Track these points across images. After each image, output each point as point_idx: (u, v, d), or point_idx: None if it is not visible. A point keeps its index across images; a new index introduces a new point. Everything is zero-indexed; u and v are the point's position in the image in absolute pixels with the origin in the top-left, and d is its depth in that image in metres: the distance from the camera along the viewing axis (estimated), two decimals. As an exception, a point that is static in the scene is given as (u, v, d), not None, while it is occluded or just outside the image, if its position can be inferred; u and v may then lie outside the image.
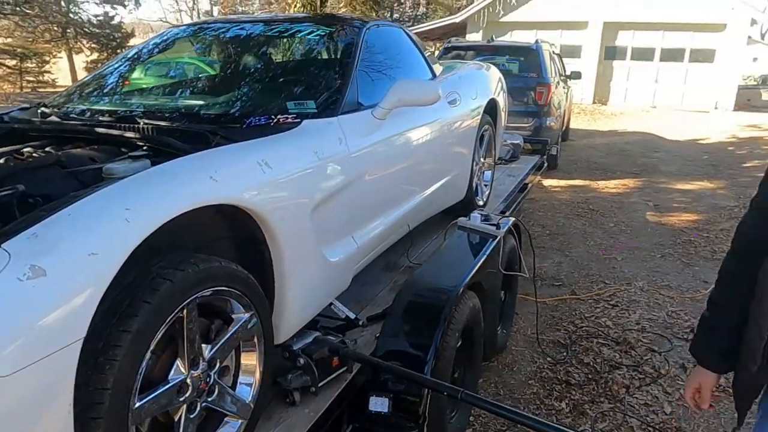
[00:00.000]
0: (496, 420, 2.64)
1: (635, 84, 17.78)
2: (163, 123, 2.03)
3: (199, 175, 1.47)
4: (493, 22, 17.86)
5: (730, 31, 16.17)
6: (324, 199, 1.95)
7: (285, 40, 2.97)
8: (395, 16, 29.66)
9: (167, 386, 1.39)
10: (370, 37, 2.75)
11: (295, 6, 10.56)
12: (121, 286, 1.24)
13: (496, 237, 2.83)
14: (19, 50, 21.60)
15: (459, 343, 2.40)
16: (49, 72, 22.58)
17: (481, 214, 3.00)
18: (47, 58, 22.67)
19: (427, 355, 2.05)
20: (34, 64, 22.28)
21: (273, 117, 2.08)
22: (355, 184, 2.14)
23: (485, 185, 3.99)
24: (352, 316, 2.28)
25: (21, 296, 1.05)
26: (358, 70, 2.47)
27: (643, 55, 17.55)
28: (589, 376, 3.00)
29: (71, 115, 2.31)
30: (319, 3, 10.43)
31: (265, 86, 2.53)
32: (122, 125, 2.01)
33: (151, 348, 1.31)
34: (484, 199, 3.91)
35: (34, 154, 1.79)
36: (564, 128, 9.62)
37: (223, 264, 1.52)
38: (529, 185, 5.04)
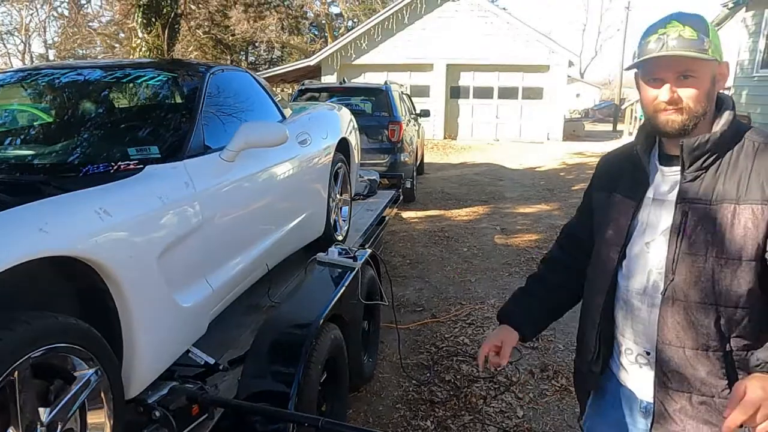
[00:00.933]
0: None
1: (479, 119, 19.41)
2: (-13, 175, 1.89)
3: (26, 227, 1.39)
4: (346, 64, 18.60)
5: (552, 71, 18.36)
6: (172, 243, 1.92)
7: (127, 85, 2.90)
8: (251, 59, 29.66)
9: (-2, 459, 1.28)
10: (216, 80, 2.78)
11: (140, 51, 10.17)
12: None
13: (354, 269, 2.94)
14: None
15: (324, 377, 2.45)
16: None
17: (339, 249, 3.11)
18: None
19: (290, 390, 2.07)
20: None
21: (113, 164, 2.02)
22: (205, 227, 2.13)
23: (343, 220, 4.13)
24: (211, 361, 2.23)
25: None
26: (204, 114, 2.48)
27: (483, 93, 19.26)
28: (451, 393, 3.18)
29: None
30: (166, 47, 10.14)
31: (105, 133, 2.45)
32: None
33: (-24, 419, 1.21)
34: (343, 234, 4.03)
35: None
36: (418, 163, 10.19)
37: (60, 319, 1.44)
38: (387, 218, 5.27)
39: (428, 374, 3.40)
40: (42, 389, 1.46)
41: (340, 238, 3.91)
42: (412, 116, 9.91)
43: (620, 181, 1.41)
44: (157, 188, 1.92)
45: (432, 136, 17.92)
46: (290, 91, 16.43)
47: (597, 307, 1.42)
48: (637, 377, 1.38)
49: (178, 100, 2.72)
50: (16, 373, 1.30)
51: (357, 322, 2.99)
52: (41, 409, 1.41)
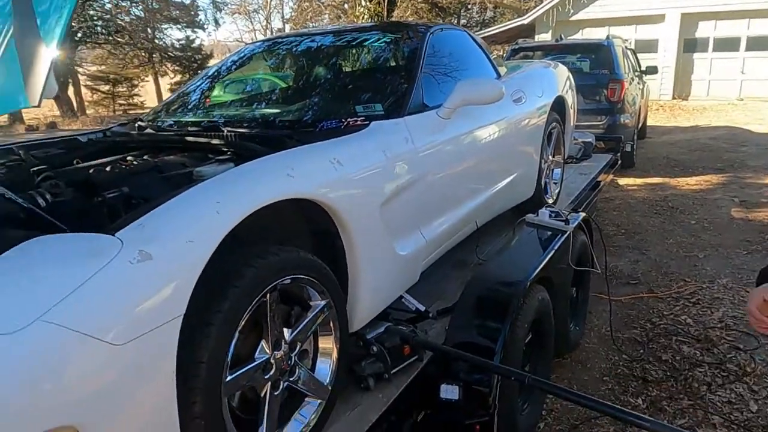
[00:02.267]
0: (570, 415, 2.64)
1: (719, 75, 16.81)
2: (244, 130, 2.21)
3: (277, 172, 1.61)
4: (562, 21, 17.48)
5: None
6: (392, 195, 2.05)
7: (353, 49, 3.13)
8: (462, 21, 29.58)
9: (253, 364, 1.54)
10: (435, 40, 2.84)
11: (363, 18, 10.86)
12: (213, 271, 1.40)
13: (565, 232, 2.83)
14: (111, 76, 23.41)
15: (529, 338, 2.43)
16: (138, 95, 24.32)
17: (550, 211, 3.01)
18: (136, 82, 24.45)
19: (496, 345, 2.10)
20: (124, 89, 24.08)
21: (343, 120, 2.22)
22: (422, 181, 2.23)
23: (554, 183, 3.97)
24: (422, 308, 2.37)
25: (132, 277, 1.22)
26: (423, 73, 2.57)
27: (726, 45, 16.57)
28: (668, 374, 2.92)
29: (163, 128, 2.56)
30: (386, 13, 10.65)
31: (336, 93, 2.69)
32: (208, 134, 2.21)
33: (239, 328, 1.45)
34: (554, 197, 3.89)
35: (135, 162, 2.01)
36: (640, 125, 9.27)
37: (301, 254, 1.66)
38: (602, 183, 4.93)
39: (641, 351, 3.16)
40: (285, 313, 1.70)
41: (550, 201, 3.79)
42: (636, 74, 8.99)
43: None
44: (380, 142, 2.06)
45: (658, 96, 16.08)
46: (501, 53, 16.08)
47: None
48: None
49: (400, 60, 2.85)
50: (267, 295, 1.54)
51: (565, 288, 2.89)
52: (285, 330, 1.66)
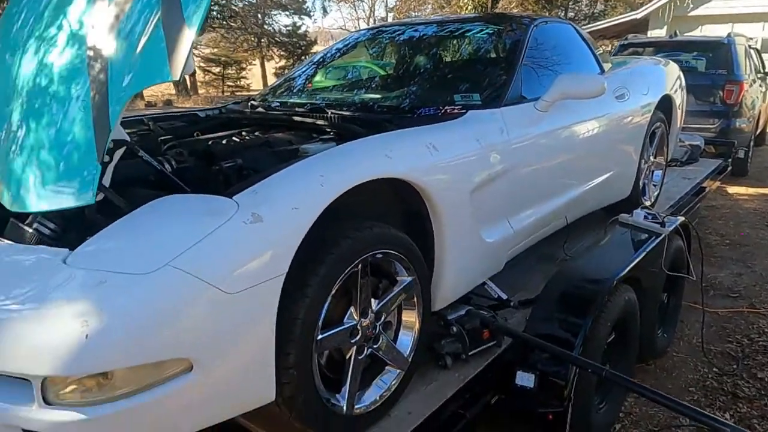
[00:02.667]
0: (649, 421, 2.59)
1: None
2: (346, 113, 2.35)
3: (376, 153, 1.73)
4: (679, 16, 16.39)
5: None
6: (483, 183, 2.11)
7: (455, 39, 3.19)
8: (570, 14, 28.50)
9: (342, 327, 1.67)
10: (538, 33, 2.84)
11: (467, 8, 10.80)
12: (314, 238, 1.53)
13: (660, 235, 2.75)
14: (222, 59, 24.80)
15: (612, 338, 2.41)
16: (245, 77, 25.62)
17: (646, 212, 2.93)
18: (244, 66, 25.73)
19: (576, 340, 2.11)
20: (233, 71, 25.43)
21: (441, 108, 2.29)
22: (513, 171, 2.27)
23: (654, 185, 3.83)
24: (504, 296, 2.41)
25: (245, 236, 1.38)
26: (524, 65, 2.59)
27: None
28: (762, 392, 2.77)
29: (272, 108, 2.76)
30: (490, 4, 10.53)
31: (436, 82, 2.77)
32: (313, 115, 2.37)
33: (332, 293, 1.59)
34: (652, 199, 3.76)
35: (248, 137, 2.21)
36: (758, 131, 8.59)
37: (393, 231, 1.77)
38: (707, 189, 4.68)
39: (735, 366, 3.01)
40: (374, 285, 1.82)
41: (647, 203, 3.66)
42: (759, 75, 8.32)
43: None
44: (476, 131, 2.12)
45: (784, 101, 14.75)
46: (609, 48, 15.38)
47: None
48: None
49: (501, 51, 2.88)
50: (359, 265, 1.66)
51: (656, 292, 2.81)
52: (373, 300, 1.78)
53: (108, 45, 1.52)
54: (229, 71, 25.42)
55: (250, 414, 1.53)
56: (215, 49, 25.35)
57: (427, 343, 2.04)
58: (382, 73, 3.30)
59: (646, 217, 2.87)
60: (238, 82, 25.40)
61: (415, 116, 2.28)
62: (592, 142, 2.89)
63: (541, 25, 2.91)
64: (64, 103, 1.60)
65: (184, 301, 1.28)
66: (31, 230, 1.57)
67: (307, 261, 1.52)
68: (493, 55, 2.94)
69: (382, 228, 1.73)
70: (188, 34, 1.35)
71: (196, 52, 23.59)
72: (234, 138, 2.19)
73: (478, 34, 2.97)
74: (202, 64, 24.86)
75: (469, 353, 2.11)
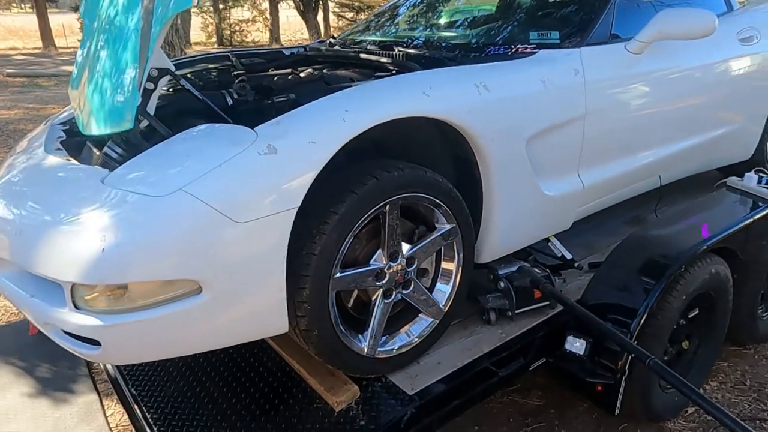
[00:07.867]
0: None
1: None
2: (412, 51, 2.25)
3: (412, 90, 1.63)
4: None
5: None
6: (546, 129, 1.93)
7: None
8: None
9: (366, 269, 1.64)
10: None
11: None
12: (333, 175, 1.50)
13: (773, 203, 2.37)
14: (356, 4, 24.95)
15: (695, 313, 2.16)
16: (376, 23, 25.60)
17: (761, 175, 2.53)
18: (376, 10, 25.69)
19: (639, 308, 1.91)
20: (365, 16, 25.52)
21: (512, 46, 2.11)
22: (587, 119, 2.05)
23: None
24: (568, 256, 2.24)
25: (258, 167, 1.38)
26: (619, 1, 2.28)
27: None
28: None
29: (349, 46, 2.72)
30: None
31: (517, 19, 2.55)
32: (380, 53, 2.30)
33: (354, 232, 1.55)
34: (782, 164, 3.23)
35: (307, 72, 2.20)
36: None
37: (428, 174, 1.67)
38: None
39: None
40: (408, 230, 1.76)
41: (775, 167, 3.16)
42: None
43: None
44: (542, 72, 1.93)
45: None
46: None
47: None
48: None
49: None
50: (387, 207, 1.60)
51: (759, 268, 2.45)
52: (404, 245, 1.72)
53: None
54: (362, 16, 25.54)
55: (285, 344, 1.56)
56: (349, -5, 25.54)
57: (469, 293, 1.95)
58: (464, 9, 3.10)
59: (759, 182, 2.48)
60: (370, 28, 25.50)
61: (483, 55, 2.12)
62: (700, 90, 2.52)
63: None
64: (122, 33, 1.69)
65: (193, 225, 1.32)
66: (99, 153, 1.70)
67: (327, 197, 1.50)
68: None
69: (416, 170, 1.65)
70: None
71: (330, -4, 24.09)
72: (294, 73, 2.20)
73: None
74: (336, 9, 25.19)
75: (516, 311, 2.00)
